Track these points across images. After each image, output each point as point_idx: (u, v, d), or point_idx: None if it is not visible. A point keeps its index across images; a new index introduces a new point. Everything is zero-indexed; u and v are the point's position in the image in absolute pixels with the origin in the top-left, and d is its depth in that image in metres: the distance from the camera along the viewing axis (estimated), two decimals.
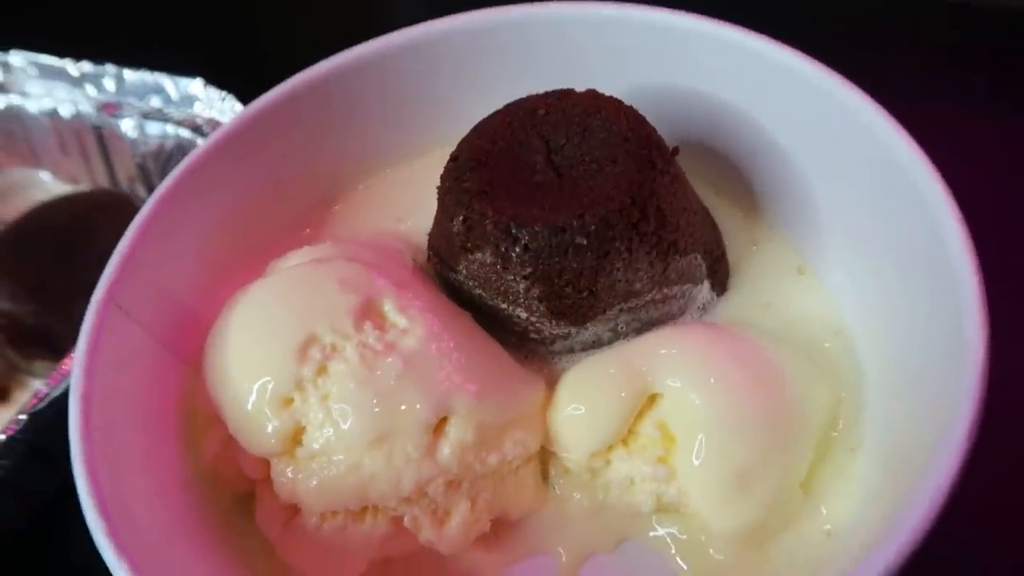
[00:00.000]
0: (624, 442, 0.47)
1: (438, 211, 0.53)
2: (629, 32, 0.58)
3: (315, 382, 0.45)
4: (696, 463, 0.45)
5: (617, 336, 0.51)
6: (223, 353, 0.47)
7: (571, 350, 0.52)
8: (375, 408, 0.44)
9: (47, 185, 0.79)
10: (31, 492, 0.53)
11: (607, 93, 0.53)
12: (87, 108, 0.72)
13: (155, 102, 0.71)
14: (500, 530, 0.48)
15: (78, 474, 0.40)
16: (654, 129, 0.51)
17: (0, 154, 0.78)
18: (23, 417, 0.49)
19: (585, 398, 0.48)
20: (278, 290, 0.48)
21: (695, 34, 0.56)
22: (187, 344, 0.52)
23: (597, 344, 0.51)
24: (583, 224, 0.46)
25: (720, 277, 0.55)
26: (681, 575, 0.47)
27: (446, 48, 0.60)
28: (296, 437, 0.45)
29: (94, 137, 0.74)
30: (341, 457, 0.44)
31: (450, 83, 0.62)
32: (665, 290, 0.50)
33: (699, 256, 0.52)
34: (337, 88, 0.59)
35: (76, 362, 0.43)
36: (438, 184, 0.53)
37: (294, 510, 0.46)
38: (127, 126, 0.71)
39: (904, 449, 0.42)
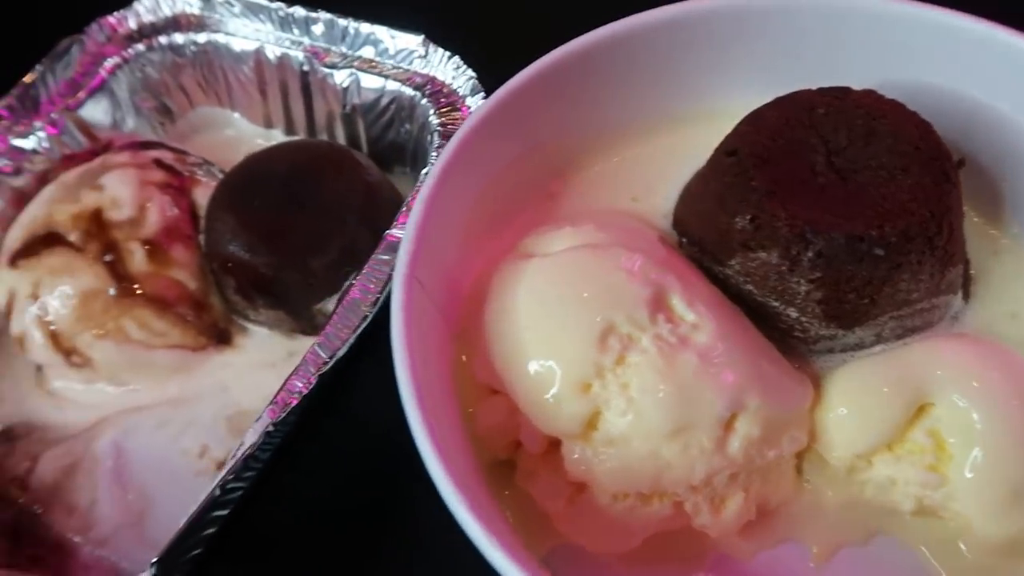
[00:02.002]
0: (889, 446, 0.50)
1: (707, 203, 0.54)
2: (886, 26, 0.59)
3: (614, 371, 0.47)
4: (970, 475, 0.48)
5: (879, 341, 0.53)
6: (514, 333, 0.50)
7: (831, 351, 0.54)
8: (675, 401, 0.47)
9: (238, 125, 0.81)
10: None
11: (856, 86, 0.55)
12: (295, 52, 0.73)
13: (367, 53, 0.72)
14: (757, 517, 0.51)
15: (417, 428, 0.44)
16: (941, 138, 0.52)
17: (196, 91, 0.79)
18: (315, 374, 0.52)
19: (857, 401, 0.50)
20: (569, 275, 0.50)
21: (946, 29, 0.57)
22: (454, 314, 0.55)
23: (859, 347, 0.54)
24: (882, 235, 0.48)
25: (967, 285, 0.57)
26: (933, 574, 0.50)
27: (704, 28, 0.60)
28: (593, 421, 0.48)
29: (299, 83, 0.74)
30: (640, 445, 0.47)
31: (695, 64, 0.62)
32: (934, 300, 0.52)
33: (962, 266, 0.54)
34: (596, 62, 0.60)
35: (396, 336, 0.46)
36: (702, 173, 0.55)
37: (580, 487, 0.49)
38: (341, 76, 0.72)
39: None
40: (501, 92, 0.57)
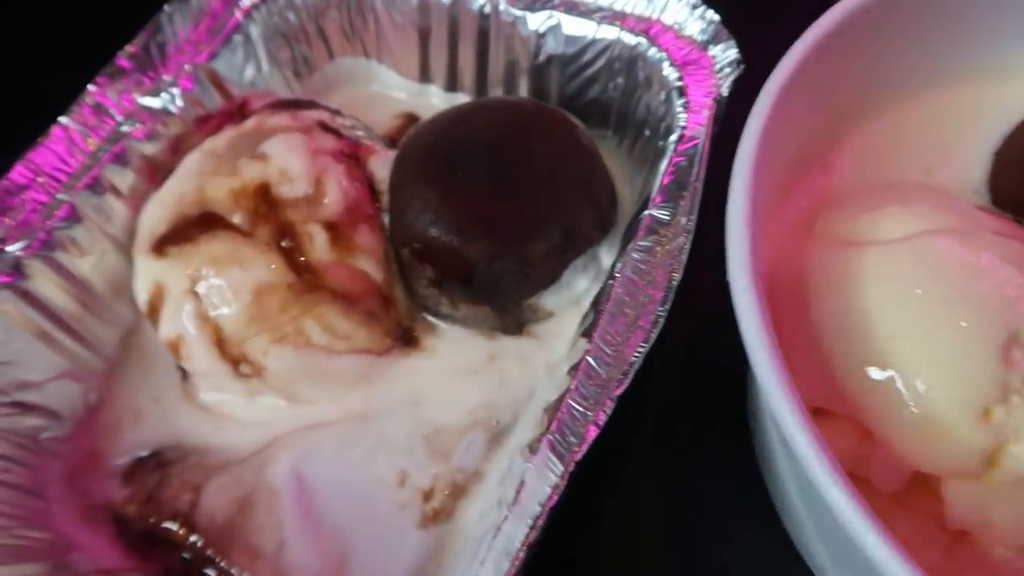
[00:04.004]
0: None
1: None
2: None
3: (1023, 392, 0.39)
4: None
5: None
6: (870, 342, 0.41)
7: None
8: None
9: (384, 79, 0.70)
10: None
11: None
12: None
13: None
14: None
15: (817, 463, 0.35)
16: None
17: (338, 38, 0.68)
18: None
19: None
20: (943, 270, 0.42)
21: None
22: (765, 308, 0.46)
23: None
24: None
25: None
26: None
27: None
28: (994, 457, 0.39)
29: (475, 28, 0.64)
30: None
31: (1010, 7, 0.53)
32: None
33: None
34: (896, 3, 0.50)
35: (760, 353, 0.37)
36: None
37: (960, 535, 0.41)
38: (536, 20, 0.61)
39: None
40: (808, 39, 0.48)
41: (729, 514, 0.55)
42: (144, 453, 0.56)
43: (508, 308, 0.57)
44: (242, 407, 0.57)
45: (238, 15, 0.63)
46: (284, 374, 0.55)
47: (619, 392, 0.43)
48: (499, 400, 0.57)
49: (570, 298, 0.58)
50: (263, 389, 0.56)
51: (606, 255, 0.58)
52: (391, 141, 0.66)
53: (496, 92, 0.67)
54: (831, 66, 0.50)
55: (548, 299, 0.58)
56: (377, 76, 0.70)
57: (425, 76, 0.69)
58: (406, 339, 0.58)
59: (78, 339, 0.56)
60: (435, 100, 0.69)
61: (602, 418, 0.42)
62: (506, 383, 0.57)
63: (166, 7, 0.61)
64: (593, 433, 0.41)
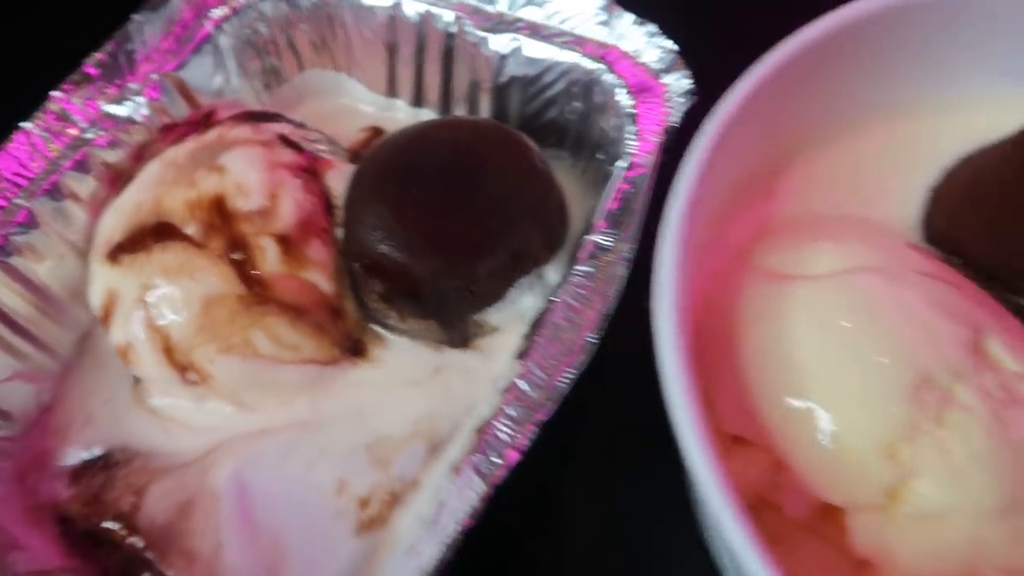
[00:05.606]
0: None
1: (1013, 220, 0.47)
2: None
3: (932, 432, 0.40)
4: None
5: None
6: (789, 377, 0.43)
7: None
8: (1011, 472, 0.39)
9: (354, 92, 0.72)
10: None
11: None
12: (442, 10, 0.64)
13: (532, 15, 0.63)
14: None
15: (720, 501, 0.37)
16: None
17: (307, 50, 0.70)
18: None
19: None
20: (866, 307, 0.43)
21: None
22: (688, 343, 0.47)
23: None
24: None
25: None
26: None
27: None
28: (897, 492, 0.40)
29: (440, 47, 0.66)
30: (960, 524, 0.40)
31: (956, 40, 0.54)
32: None
33: None
34: (856, 37, 0.52)
35: (675, 390, 0.38)
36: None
37: (863, 566, 0.42)
38: (499, 42, 0.63)
39: None
40: (764, 67, 0.49)
41: (666, 549, 0.56)
42: (92, 455, 0.58)
43: (454, 323, 0.59)
44: (191, 412, 0.58)
45: (208, 26, 0.65)
46: (230, 382, 0.56)
47: (542, 417, 0.44)
48: (441, 412, 0.58)
49: (515, 314, 0.59)
50: (211, 395, 0.57)
51: (552, 273, 0.60)
52: (355, 155, 0.68)
53: (460, 109, 0.69)
54: (777, 99, 0.51)
55: (493, 315, 0.59)
56: (346, 89, 0.72)
57: (392, 91, 0.71)
58: (355, 350, 0.60)
59: (32, 341, 0.58)
60: (401, 115, 0.71)
61: (524, 443, 0.43)
62: (449, 395, 0.59)
63: (136, 16, 0.62)
64: (514, 458, 0.43)
